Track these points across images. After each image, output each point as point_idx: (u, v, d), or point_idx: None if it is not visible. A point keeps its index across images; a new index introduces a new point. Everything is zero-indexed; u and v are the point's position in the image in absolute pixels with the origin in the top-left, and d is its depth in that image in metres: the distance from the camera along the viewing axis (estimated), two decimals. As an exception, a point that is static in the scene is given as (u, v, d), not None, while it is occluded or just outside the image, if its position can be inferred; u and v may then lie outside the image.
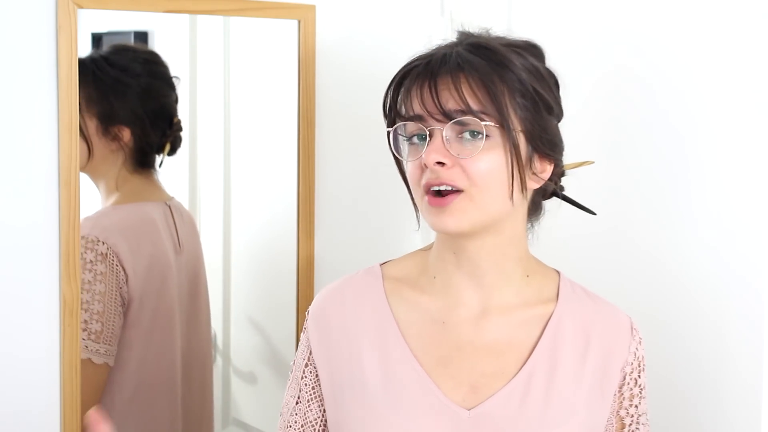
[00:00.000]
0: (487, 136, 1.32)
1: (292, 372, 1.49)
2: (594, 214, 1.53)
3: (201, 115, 1.97)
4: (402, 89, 1.37)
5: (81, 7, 1.65)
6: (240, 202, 2.03)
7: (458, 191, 1.33)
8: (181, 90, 1.93)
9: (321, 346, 1.44)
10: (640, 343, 1.45)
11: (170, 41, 1.92)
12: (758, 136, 1.64)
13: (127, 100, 1.84)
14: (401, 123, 1.36)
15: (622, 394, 1.44)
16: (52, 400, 1.68)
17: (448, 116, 1.32)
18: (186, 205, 1.99)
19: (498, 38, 1.40)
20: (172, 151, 1.94)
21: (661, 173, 1.79)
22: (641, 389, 1.45)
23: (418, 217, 1.43)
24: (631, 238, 1.84)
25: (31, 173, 1.65)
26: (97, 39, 1.82)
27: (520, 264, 1.42)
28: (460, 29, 1.43)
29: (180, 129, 1.94)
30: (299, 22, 1.93)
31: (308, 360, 1.45)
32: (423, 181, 1.35)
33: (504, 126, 1.32)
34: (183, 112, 1.93)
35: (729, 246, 1.69)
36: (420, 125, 1.34)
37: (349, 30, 2.01)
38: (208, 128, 1.99)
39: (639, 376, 1.44)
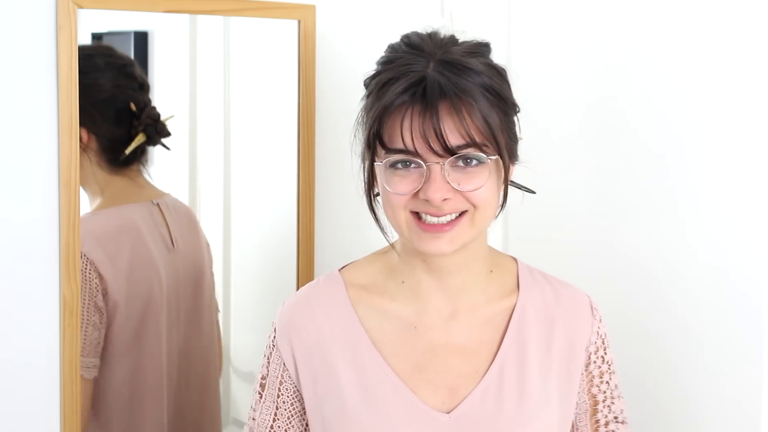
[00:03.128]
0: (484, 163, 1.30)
1: (264, 389, 1.44)
2: (533, 192, 1.48)
3: (201, 115, 1.97)
4: (391, 118, 1.30)
5: (81, 7, 1.65)
6: (240, 203, 2.03)
7: (461, 214, 1.32)
8: (181, 90, 1.93)
9: (296, 361, 1.41)
10: (600, 321, 1.46)
11: (170, 41, 1.92)
12: (747, 142, 1.64)
13: None
14: (392, 157, 1.30)
15: (590, 372, 1.45)
16: (53, 400, 1.68)
17: (450, 151, 1.28)
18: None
19: (453, 45, 1.34)
20: (151, 141, 1.86)
21: (649, 178, 1.79)
22: (609, 365, 1.46)
23: (382, 229, 1.40)
24: (622, 243, 1.84)
25: (31, 173, 1.65)
26: (97, 39, 1.82)
27: (485, 261, 1.43)
28: (408, 33, 1.37)
29: (152, 117, 1.85)
30: (299, 22, 1.93)
31: (282, 377, 1.42)
32: (411, 207, 1.31)
33: (501, 155, 1.31)
34: (183, 111, 1.93)
35: (719, 250, 1.69)
36: (416, 160, 1.29)
37: (349, 30, 2.01)
38: (208, 128, 1.99)
39: (605, 353, 1.46)
